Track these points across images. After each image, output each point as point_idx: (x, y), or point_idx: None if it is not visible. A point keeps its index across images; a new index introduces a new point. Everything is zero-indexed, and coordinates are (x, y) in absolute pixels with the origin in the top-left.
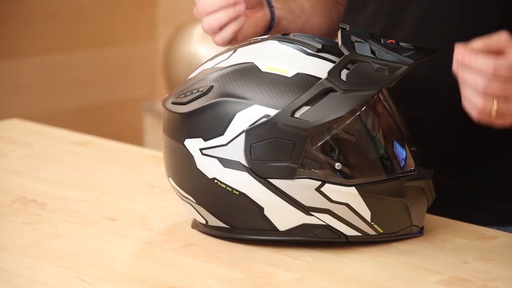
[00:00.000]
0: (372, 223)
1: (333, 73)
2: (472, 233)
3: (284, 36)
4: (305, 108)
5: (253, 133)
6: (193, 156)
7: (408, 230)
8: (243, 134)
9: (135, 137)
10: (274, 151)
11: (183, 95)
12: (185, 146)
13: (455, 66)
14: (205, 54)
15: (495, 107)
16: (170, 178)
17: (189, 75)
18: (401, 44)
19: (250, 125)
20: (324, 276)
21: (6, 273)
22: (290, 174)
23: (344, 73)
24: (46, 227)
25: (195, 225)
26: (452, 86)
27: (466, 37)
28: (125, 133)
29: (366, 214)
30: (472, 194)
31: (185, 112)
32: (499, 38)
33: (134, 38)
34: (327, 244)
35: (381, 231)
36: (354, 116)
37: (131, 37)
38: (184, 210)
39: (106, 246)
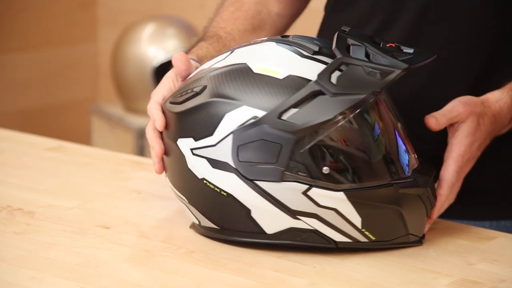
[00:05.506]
0: (363, 230)
1: (323, 76)
2: (470, 233)
3: (283, 38)
4: (293, 111)
5: (240, 135)
6: (184, 156)
7: (404, 239)
8: (231, 135)
9: (80, 139)
10: (261, 153)
11: (179, 95)
12: (177, 146)
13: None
14: (154, 55)
15: None
16: (167, 177)
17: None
18: (402, 48)
19: (238, 126)
20: (335, 281)
21: (9, 285)
22: (277, 177)
23: (334, 76)
24: (40, 237)
25: (193, 225)
26: (448, 85)
27: (464, 37)
28: (70, 136)
29: (356, 220)
30: (463, 190)
31: (178, 112)
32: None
33: (74, 39)
34: (330, 248)
35: (374, 238)
36: (344, 120)
37: (71, 38)
38: (177, 216)
39: (107, 255)
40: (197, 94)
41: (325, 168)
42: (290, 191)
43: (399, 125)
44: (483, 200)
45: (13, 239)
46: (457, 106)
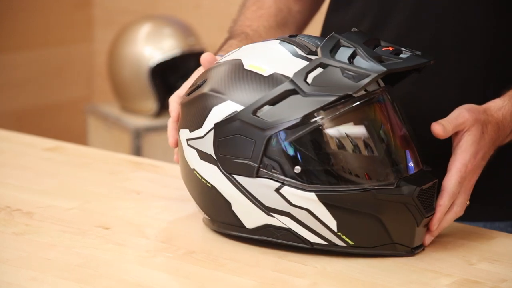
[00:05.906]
0: (340, 234)
1: (299, 75)
2: (470, 233)
3: (289, 37)
4: (267, 108)
5: (220, 128)
6: (182, 146)
7: (390, 248)
8: (213, 129)
9: (77, 139)
10: (237, 148)
11: (190, 88)
12: (179, 136)
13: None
14: (150, 55)
15: None
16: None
17: None
18: (404, 50)
19: (220, 120)
20: (336, 282)
21: (9, 286)
22: (251, 172)
23: (311, 76)
24: (40, 238)
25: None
26: (439, 84)
27: (456, 37)
28: (66, 135)
29: (331, 223)
30: None
31: (182, 103)
32: (459, 115)
33: (70, 39)
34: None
35: (352, 243)
36: (317, 120)
37: (67, 38)
38: (177, 216)
39: (107, 256)
40: (198, 87)
41: (297, 167)
42: (263, 188)
43: (402, 130)
44: (482, 201)
45: (13, 240)
46: (462, 113)
